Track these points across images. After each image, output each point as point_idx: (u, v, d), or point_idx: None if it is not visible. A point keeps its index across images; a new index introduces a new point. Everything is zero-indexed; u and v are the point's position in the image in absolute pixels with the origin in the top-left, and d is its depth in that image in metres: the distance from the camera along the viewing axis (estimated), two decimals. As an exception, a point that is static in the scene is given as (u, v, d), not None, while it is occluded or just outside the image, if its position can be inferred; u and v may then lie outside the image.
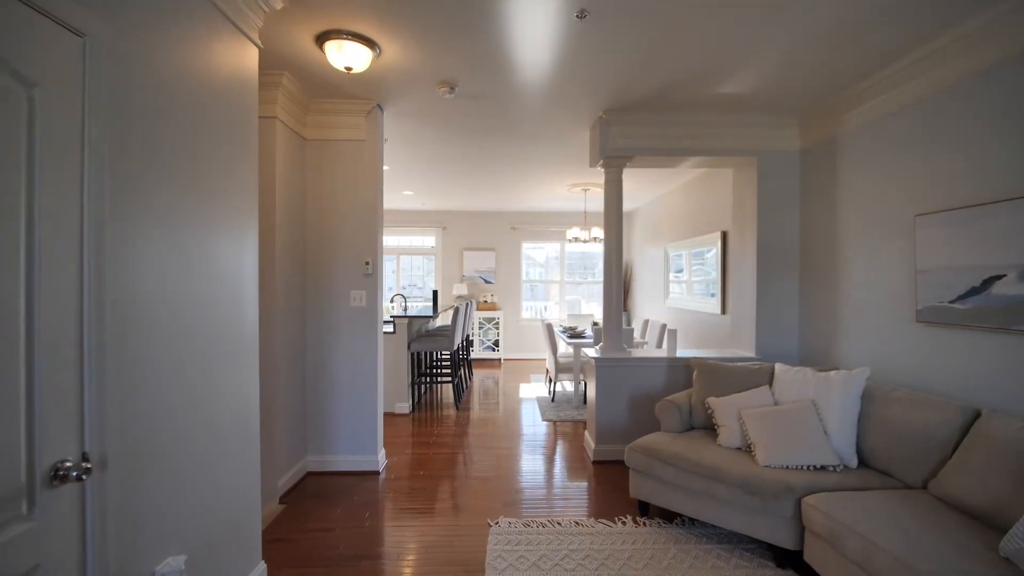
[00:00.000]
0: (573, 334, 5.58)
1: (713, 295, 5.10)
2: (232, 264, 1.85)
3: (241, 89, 1.93)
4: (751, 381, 2.96)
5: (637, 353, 3.76)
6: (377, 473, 3.42)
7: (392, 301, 5.77)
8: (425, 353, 5.78)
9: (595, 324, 5.90)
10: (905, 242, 2.72)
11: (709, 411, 2.89)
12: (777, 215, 3.66)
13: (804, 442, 2.41)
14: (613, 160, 3.66)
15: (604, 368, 3.63)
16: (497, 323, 8.18)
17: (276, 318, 2.97)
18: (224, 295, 1.80)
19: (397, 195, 6.86)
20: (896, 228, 2.78)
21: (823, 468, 2.36)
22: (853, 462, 2.41)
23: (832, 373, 2.62)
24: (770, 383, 2.93)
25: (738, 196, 3.94)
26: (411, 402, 5.04)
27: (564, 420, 4.75)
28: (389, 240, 8.52)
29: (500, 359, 8.30)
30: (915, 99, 2.64)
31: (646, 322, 5.91)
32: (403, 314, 5.06)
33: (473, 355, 8.16)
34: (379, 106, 3.41)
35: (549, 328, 5.42)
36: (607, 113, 3.51)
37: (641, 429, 3.63)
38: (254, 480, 2.04)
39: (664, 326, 5.37)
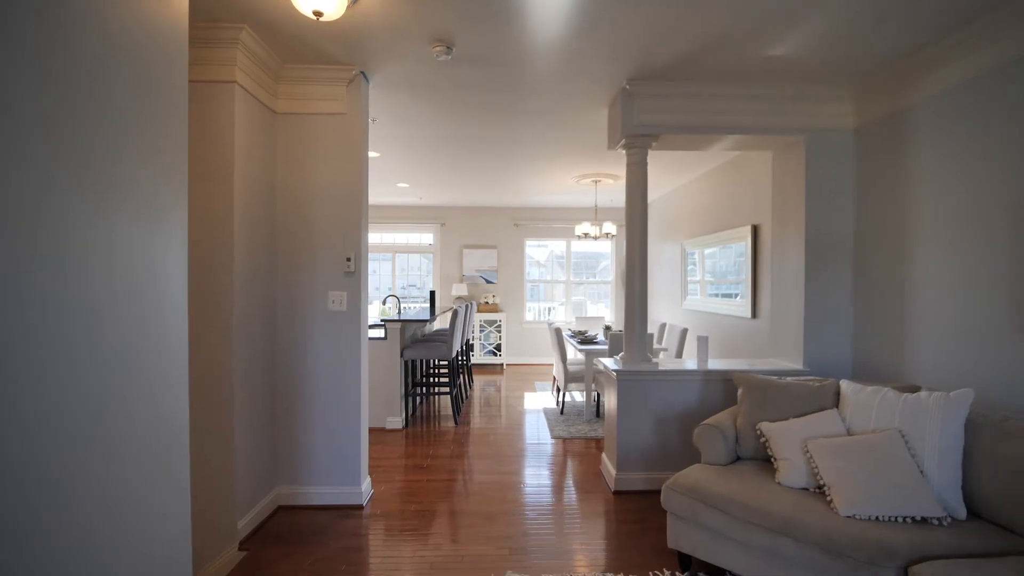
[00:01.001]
0: (584, 340, 5.05)
1: (740, 296, 4.58)
2: (144, 264, 1.33)
3: (159, 29, 1.41)
4: (812, 402, 2.43)
5: (665, 365, 3.24)
6: (360, 508, 2.89)
7: (385, 303, 5.25)
8: (421, 361, 5.26)
9: (607, 329, 5.38)
10: (1007, 232, 2.20)
11: (763, 439, 2.37)
12: (828, 205, 3.14)
13: (896, 485, 1.89)
14: (636, 140, 3.14)
15: (627, 382, 3.11)
16: (499, 326, 7.65)
17: (235, 324, 2.45)
18: (130, 302, 1.28)
19: (391, 188, 6.34)
20: (993, 215, 2.26)
21: (924, 521, 1.84)
22: (961, 512, 1.88)
23: (923, 395, 2.09)
24: (836, 405, 2.41)
25: (779, 184, 3.42)
26: (404, 416, 4.51)
27: (575, 437, 4.23)
28: (385, 237, 8.01)
29: (502, 364, 7.78)
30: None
31: (663, 326, 5.39)
32: (395, 317, 4.54)
33: (473, 360, 7.64)
34: (363, 74, 2.89)
35: (558, 333, 4.91)
36: (631, 83, 2.99)
37: (670, 454, 3.11)
38: (183, 549, 1.52)
39: (685, 331, 4.85)
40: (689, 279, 5.84)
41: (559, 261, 8.33)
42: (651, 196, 7.00)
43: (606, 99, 3.29)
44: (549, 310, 8.42)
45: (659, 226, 6.97)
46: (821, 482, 2.05)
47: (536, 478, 3.37)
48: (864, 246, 3.05)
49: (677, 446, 3.11)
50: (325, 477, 2.92)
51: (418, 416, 4.87)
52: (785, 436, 2.28)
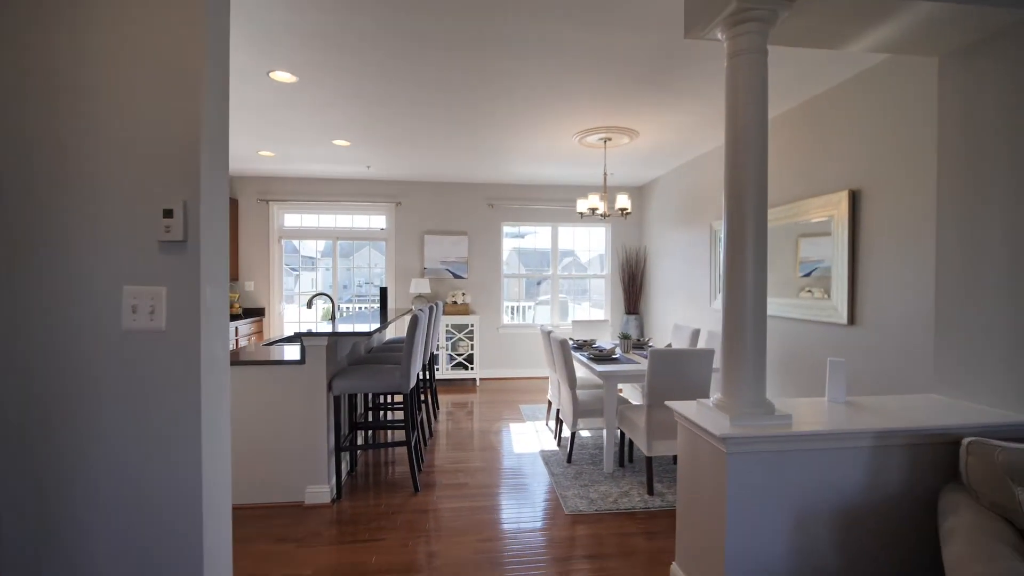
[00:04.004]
0: (598, 356, 3.60)
1: (820, 294, 3.25)
2: None
3: None
4: None
5: (805, 423, 1.80)
6: None
7: (311, 306, 3.62)
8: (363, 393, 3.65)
9: (626, 338, 3.96)
10: None
11: None
12: (1071, 133, 1.80)
13: None
14: (756, 5, 1.69)
15: (745, 457, 1.66)
16: (470, 332, 6.11)
17: None
18: None
19: (326, 148, 4.67)
20: None
21: None
22: None
23: None
24: None
25: (961, 110, 2.06)
26: (334, 482, 2.91)
27: (602, 511, 2.76)
28: (323, 219, 6.29)
29: (475, 379, 6.24)
30: None
31: (696, 332, 4.00)
32: (322, 331, 2.92)
33: (438, 375, 6.07)
34: None
35: (563, 346, 3.43)
36: None
37: (820, 586, 1.70)
38: None
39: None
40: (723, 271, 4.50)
41: (527, 255, 6.82)
42: (657, 171, 5.65)
43: (689, -60, 1.83)
44: (525, 310, 6.95)
45: (670, 207, 5.62)
46: None
47: (563, 621, 1.88)
48: None
49: (834, 568, 1.70)
50: None
51: (358, 477, 3.26)
52: None
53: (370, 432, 3.84)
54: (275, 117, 3.79)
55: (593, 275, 6.89)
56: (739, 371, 1.77)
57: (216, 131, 1.34)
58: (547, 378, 6.38)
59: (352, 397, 3.45)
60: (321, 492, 2.80)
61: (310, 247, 6.55)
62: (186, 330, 1.29)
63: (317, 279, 6.75)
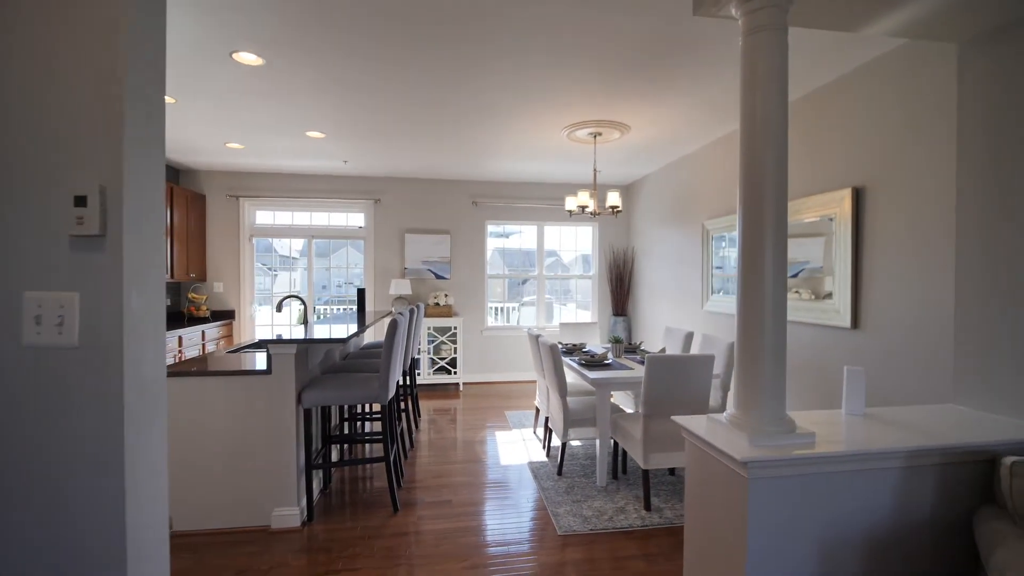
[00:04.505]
0: (590, 362, 3.41)
1: (807, 295, 3.12)
2: None
3: None
4: None
5: (830, 442, 1.62)
6: None
7: (280, 309, 3.35)
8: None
9: (618, 342, 3.78)
10: None
11: None
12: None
13: None
14: (776, -25, 1.52)
15: (765, 483, 1.48)
16: (454, 335, 5.87)
17: None
18: None
19: (299, 140, 4.38)
20: None
21: None
22: None
23: None
24: None
25: (985, 99, 1.92)
26: (305, 503, 2.65)
27: (596, 530, 2.57)
28: (298, 217, 5.98)
29: (458, 384, 6.01)
30: None
31: (689, 335, 3.85)
32: (290, 337, 2.67)
33: (419, 379, 5.82)
34: None
35: (552, 353, 3.23)
36: None
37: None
38: None
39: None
40: (715, 271, 4.37)
41: (511, 255, 6.61)
42: (645, 169, 5.50)
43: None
44: (510, 311, 6.75)
45: (658, 206, 5.48)
46: None
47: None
48: None
49: (862, 607, 1.53)
50: None
51: (332, 495, 3.00)
52: None
53: (346, 445, 3.58)
54: (241, 105, 3.50)
55: (579, 275, 6.71)
56: (757, 383, 1.59)
57: (146, 97, 1.09)
58: (534, 382, 6.19)
59: (326, 408, 3.20)
60: (290, 515, 2.54)
61: (287, 246, 6.23)
62: (105, 345, 1.04)
63: (295, 279, 6.43)
